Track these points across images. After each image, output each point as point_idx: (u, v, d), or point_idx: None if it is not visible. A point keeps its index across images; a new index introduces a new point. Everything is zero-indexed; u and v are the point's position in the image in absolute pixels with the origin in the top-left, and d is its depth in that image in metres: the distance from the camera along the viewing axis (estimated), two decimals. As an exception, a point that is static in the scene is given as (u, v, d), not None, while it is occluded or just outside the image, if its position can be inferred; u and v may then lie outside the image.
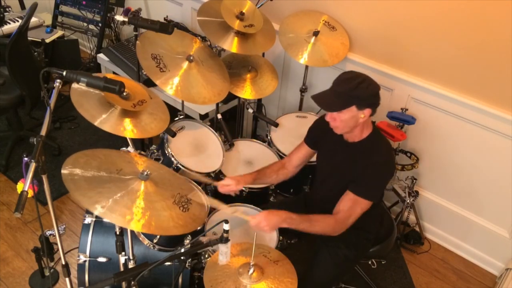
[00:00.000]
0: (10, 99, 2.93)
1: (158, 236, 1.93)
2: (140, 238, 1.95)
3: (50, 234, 2.24)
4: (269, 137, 2.59)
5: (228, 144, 2.50)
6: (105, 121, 1.69)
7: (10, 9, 3.57)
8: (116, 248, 1.79)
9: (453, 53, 2.37)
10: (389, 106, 2.63)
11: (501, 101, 2.33)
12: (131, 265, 1.86)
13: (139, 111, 1.80)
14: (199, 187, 1.91)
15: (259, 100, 3.00)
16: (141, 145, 2.89)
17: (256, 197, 2.31)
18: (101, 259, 1.99)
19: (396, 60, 2.59)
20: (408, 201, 2.65)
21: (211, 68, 2.35)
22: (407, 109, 2.59)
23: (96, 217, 2.05)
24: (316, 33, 2.58)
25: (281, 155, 2.50)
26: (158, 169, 1.72)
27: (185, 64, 2.24)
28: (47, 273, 2.44)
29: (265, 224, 1.80)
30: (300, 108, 2.93)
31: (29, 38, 3.03)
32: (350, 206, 1.84)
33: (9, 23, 3.43)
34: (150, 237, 1.94)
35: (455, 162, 2.62)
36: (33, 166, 1.38)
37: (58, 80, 1.53)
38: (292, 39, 2.61)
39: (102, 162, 1.58)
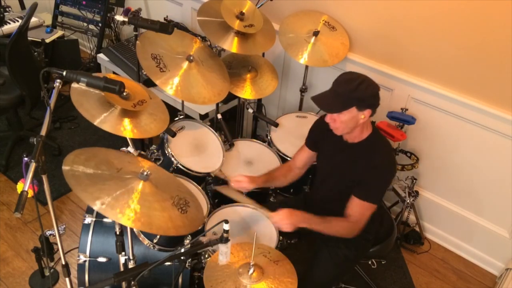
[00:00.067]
0: (10, 99, 2.93)
1: (158, 236, 1.93)
2: (140, 238, 1.95)
3: (50, 234, 2.24)
4: (269, 137, 2.59)
5: (228, 144, 2.50)
6: (105, 121, 1.68)
7: (10, 9, 3.57)
8: (116, 248, 1.79)
9: (453, 53, 2.37)
10: (389, 106, 2.63)
11: (501, 101, 2.33)
12: (131, 265, 1.86)
13: (139, 111, 1.80)
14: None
15: (259, 100, 2.99)
16: (141, 145, 2.89)
17: (256, 197, 2.29)
18: (101, 259, 1.99)
19: (396, 60, 2.59)
20: (408, 201, 2.65)
21: (211, 68, 2.35)
22: (407, 109, 2.59)
23: (96, 217, 2.05)
24: (316, 33, 2.58)
25: (281, 155, 2.50)
26: (157, 171, 1.72)
27: (185, 64, 2.24)
28: (47, 273, 2.44)
29: (286, 222, 1.83)
30: (300, 108, 2.93)
31: (29, 38, 3.03)
32: (359, 211, 1.87)
33: (9, 23, 3.43)
34: (150, 237, 1.94)
35: (455, 162, 2.61)
36: (33, 166, 1.38)
37: (58, 80, 1.53)
38: (292, 39, 2.61)
39: (102, 160, 1.59)
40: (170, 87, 2.14)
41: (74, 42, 3.70)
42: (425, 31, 2.40)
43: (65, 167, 1.47)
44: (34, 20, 3.49)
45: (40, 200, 2.70)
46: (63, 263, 1.73)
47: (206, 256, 2.00)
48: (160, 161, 2.31)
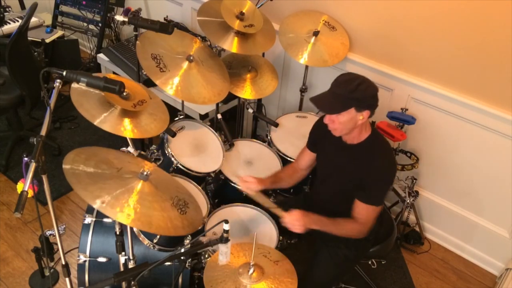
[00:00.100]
0: (10, 99, 2.93)
1: (158, 236, 1.93)
2: (140, 238, 1.95)
3: (50, 234, 2.24)
4: (269, 137, 2.59)
5: (228, 144, 2.50)
6: (105, 121, 1.68)
7: (10, 9, 3.57)
8: (116, 248, 1.79)
9: (453, 53, 2.37)
10: (389, 106, 2.63)
11: (501, 101, 2.33)
12: (131, 265, 1.86)
13: (139, 111, 1.80)
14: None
15: (259, 100, 3.00)
16: (141, 145, 2.89)
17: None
18: (101, 259, 1.99)
19: (396, 60, 2.59)
20: (408, 201, 2.65)
21: (211, 68, 2.35)
22: (407, 109, 2.59)
23: (96, 217, 2.05)
24: (316, 33, 2.58)
25: (281, 155, 2.50)
26: (157, 172, 1.72)
27: (185, 64, 2.24)
28: (47, 273, 2.44)
29: (299, 223, 1.83)
30: (300, 108, 2.93)
31: (29, 38, 3.03)
32: (365, 214, 1.88)
33: (9, 23, 3.43)
34: (150, 237, 1.94)
35: (455, 162, 2.61)
36: (33, 166, 1.38)
37: (58, 80, 1.53)
38: (292, 39, 2.61)
39: (102, 160, 1.59)
40: (170, 87, 2.15)
41: (74, 42, 3.70)
42: (425, 31, 2.40)
43: (65, 166, 1.47)
44: (34, 20, 3.49)
45: (40, 200, 2.70)
46: (63, 263, 1.73)
47: (206, 256, 2.00)
48: (160, 161, 2.31)
